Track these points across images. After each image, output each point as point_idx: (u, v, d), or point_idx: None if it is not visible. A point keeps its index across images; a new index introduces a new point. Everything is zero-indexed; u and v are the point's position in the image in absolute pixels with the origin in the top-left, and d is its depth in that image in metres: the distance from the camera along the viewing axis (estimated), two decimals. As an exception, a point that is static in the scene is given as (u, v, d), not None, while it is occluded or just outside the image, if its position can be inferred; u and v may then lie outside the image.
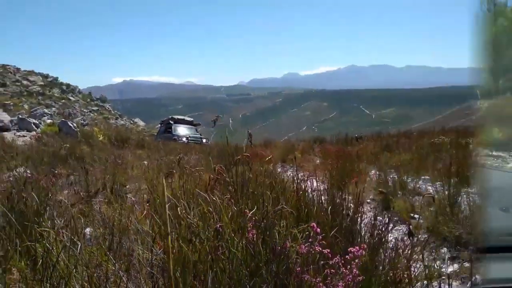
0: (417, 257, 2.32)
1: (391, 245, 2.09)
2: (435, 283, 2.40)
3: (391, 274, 1.58)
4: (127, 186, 4.97)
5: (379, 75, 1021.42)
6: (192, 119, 26.79)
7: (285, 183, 2.73)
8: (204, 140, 21.76)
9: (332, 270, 1.29)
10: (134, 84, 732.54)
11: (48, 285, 1.38)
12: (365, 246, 1.35)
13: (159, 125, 26.62)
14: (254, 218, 1.50)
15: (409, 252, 1.90)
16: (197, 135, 22.87)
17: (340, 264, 1.27)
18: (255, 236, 1.43)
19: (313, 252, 1.32)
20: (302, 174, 3.93)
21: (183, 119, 25.26)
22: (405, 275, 1.59)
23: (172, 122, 23.90)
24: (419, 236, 3.85)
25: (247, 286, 1.29)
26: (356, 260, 1.26)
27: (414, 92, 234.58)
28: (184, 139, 20.58)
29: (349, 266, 1.26)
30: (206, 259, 1.33)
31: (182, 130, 22.92)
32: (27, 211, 2.39)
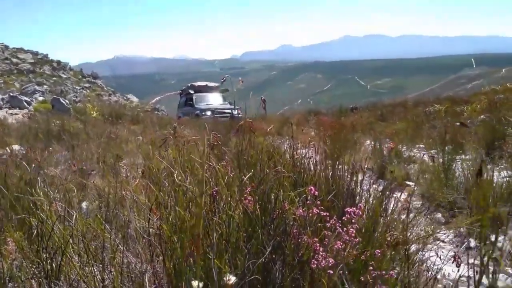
0: (413, 221, 2.35)
1: (389, 210, 2.11)
2: (429, 246, 2.45)
3: (388, 238, 1.59)
4: (122, 161, 4.95)
5: (374, 45, 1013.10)
6: (217, 84, 20.12)
7: (281, 151, 2.72)
8: (235, 112, 16.02)
9: (329, 232, 1.29)
10: (126, 59, 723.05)
11: (44, 255, 1.38)
12: (362, 206, 1.35)
13: (179, 95, 20.96)
14: (252, 184, 1.50)
15: (406, 215, 1.92)
16: (226, 106, 17.23)
17: (338, 226, 1.28)
18: (251, 202, 1.42)
19: (310, 214, 1.32)
20: (298, 145, 3.93)
21: (206, 85, 19.60)
22: (401, 237, 1.60)
23: (192, 92, 18.63)
24: (414, 203, 3.91)
25: (244, 248, 1.29)
26: (353, 221, 1.26)
27: (409, 61, 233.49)
28: (208, 112, 15.99)
29: (345, 228, 1.26)
30: (202, 223, 1.33)
31: (206, 101, 17.71)
32: (20, 184, 2.38)
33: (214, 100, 18.03)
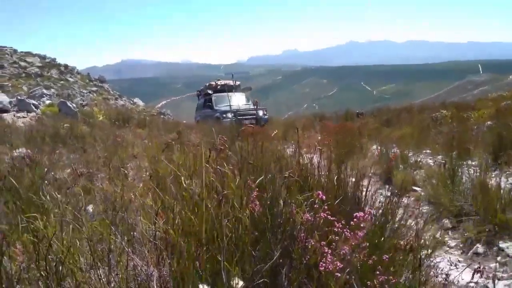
0: (420, 227, 2.34)
1: (397, 217, 2.09)
2: (437, 252, 2.43)
3: (401, 242, 1.58)
4: (128, 164, 4.97)
5: (379, 50, 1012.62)
6: (239, 82, 18.05)
7: (287, 157, 2.72)
8: (260, 113, 14.33)
9: (336, 237, 1.29)
10: (132, 63, 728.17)
11: (50, 258, 1.39)
12: (371, 211, 1.34)
13: (197, 97, 18.50)
14: (258, 189, 1.50)
15: (415, 222, 1.91)
16: (249, 106, 15.11)
17: (345, 231, 1.27)
18: (258, 206, 1.42)
19: (318, 219, 1.32)
20: (304, 150, 3.93)
21: (226, 84, 17.19)
22: (410, 244, 1.59)
23: (211, 92, 16.46)
24: (421, 208, 3.88)
25: (253, 252, 1.29)
26: (362, 225, 1.25)
27: (415, 67, 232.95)
28: (230, 114, 13.76)
29: (352, 233, 1.26)
30: (210, 227, 1.33)
31: (227, 101, 15.21)
32: (26, 187, 2.39)
33: (237, 100, 15.74)
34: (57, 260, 1.49)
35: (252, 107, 14.92)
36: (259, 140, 2.16)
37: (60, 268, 1.49)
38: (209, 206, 1.16)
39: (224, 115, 13.95)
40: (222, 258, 1.05)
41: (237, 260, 1.28)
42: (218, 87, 17.10)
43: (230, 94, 16.00)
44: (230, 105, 14.68)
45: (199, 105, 17.50)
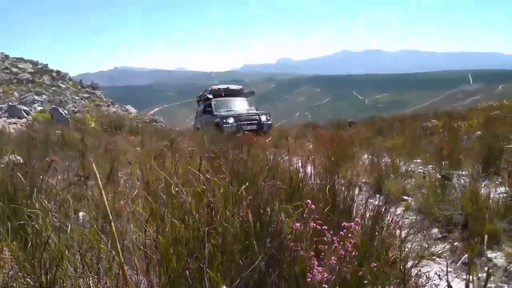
0: (409, 237, 2.36)
1: (384, 225, 2.11)
2: (425, 262, 2.45)
3: (384, 254, 1.60)
4: (120, 172, 4.95)
5: (372, 60, 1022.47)
6: (241, 86, 17.47)
7: (277, 166, 2.73)
8: (263, 118, 13.74)
9: (325, 246, 1.30)
10: (125, 70, 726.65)
11: (40, 265, 1.38)
12: (359, 221, 1.36)
13: (197, 103, 17.70)
14: (248, 197, 1.50)
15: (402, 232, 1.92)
16: (252, 111, 14.48)
17: (335, 240, 1.28)
18: (248, 213, 1.43)
19: (307, 228, 1.33)
20: (295, 159, 3.95)
21: (227, 88, 16.59)
22: (398, 255, 1.60)
23: (211, 97, 15.59)
24: (410, 217, 3.91)
25: (240, 261, 1.29)
26: (349, 235, 1.26)
27: (407, 76, 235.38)
28: (231, 120, 13.12)
29: (342, 243, 1.27)
30: (198, 235, 1.34)
31: (228, 106, 14.74)
32: (17, 194, 2.38)
33: (238, 105, 15.16)
34: (45, 268, 1.48)
35: (254, 112, 14.36)
36: (254, 147, 2.18)
37: (49, 276, 1.48)
38: (197, 214, 1.16)
39: (225, 121, 13.17)
40: (205, 266, 1.06)
41: (225, 268, 1.29)
42: (220, 91, 16.39)
43: (231, 98, 15.62)
44: (231, 110, 14.17)
45: (198, 111, 16.74)
